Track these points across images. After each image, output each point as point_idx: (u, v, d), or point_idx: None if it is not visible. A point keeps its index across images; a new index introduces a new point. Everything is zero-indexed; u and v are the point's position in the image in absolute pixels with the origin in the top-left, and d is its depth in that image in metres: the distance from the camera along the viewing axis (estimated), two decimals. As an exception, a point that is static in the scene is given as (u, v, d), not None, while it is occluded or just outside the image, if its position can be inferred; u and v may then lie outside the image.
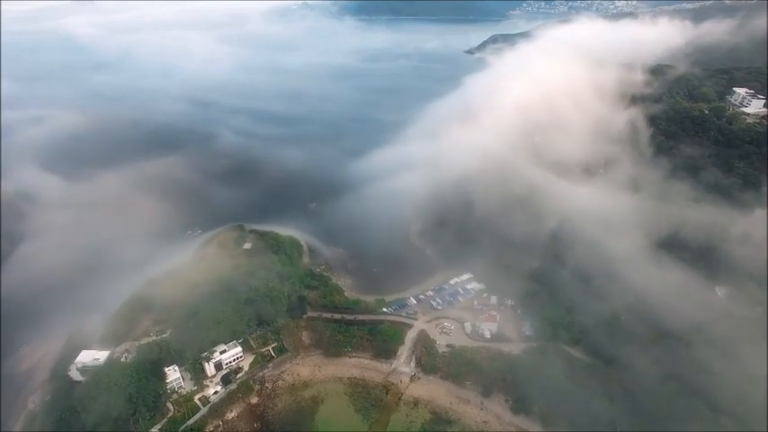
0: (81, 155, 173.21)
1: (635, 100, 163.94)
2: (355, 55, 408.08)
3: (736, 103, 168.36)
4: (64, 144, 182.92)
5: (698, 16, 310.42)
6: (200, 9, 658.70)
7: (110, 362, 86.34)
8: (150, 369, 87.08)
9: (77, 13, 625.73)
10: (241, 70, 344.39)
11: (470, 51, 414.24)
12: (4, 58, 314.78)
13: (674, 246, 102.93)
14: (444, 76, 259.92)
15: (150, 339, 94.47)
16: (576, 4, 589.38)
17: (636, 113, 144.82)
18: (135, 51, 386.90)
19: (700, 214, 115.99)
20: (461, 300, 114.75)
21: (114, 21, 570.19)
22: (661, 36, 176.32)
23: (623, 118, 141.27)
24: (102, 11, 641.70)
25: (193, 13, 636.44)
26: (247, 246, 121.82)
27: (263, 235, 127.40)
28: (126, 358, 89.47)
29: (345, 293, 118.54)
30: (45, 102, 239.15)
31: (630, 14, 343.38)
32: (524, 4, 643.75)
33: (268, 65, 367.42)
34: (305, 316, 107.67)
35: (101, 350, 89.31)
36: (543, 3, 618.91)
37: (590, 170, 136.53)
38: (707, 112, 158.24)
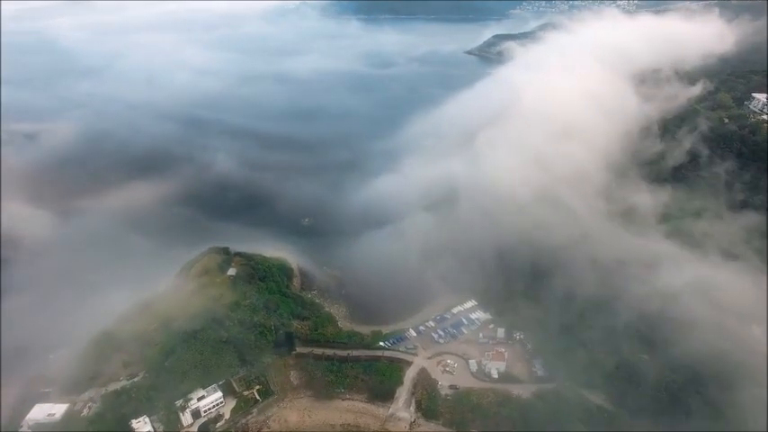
0: (60, 179, 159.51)
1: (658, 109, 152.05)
2: (364, 59, 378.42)
3: (756, 109, 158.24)
4: (41, 167, 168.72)
5: (705, 16, 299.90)
6: (195, 9, 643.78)
7: (68, 416, 76.32)
8: (116, 422, 77.25)
9: (71, 13, 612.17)
10: (241, 80, 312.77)
11: (481, 52, 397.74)
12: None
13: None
14: (464, 82, 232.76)
15: (119, 385, 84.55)
16: (576, 3, 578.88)
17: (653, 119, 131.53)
18: (125, 56, 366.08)
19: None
20: (465, 331, 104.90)
21: (107, 21, 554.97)
22: (676, 36, 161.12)
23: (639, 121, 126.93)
24: (98, 11, 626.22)
25: (189, 14, 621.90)
26: (231, 272, 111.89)
27: (249, 259, 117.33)
28: (89, 409, 79.61)
29: (339, 323, 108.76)
30: (24, 115, 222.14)
31: (659, 11, 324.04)
32: (524, 3, 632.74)
33: (271, 72, 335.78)
34: (293, 353, 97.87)
35: (61, 401, 79.16)
36: (544, 2, 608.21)
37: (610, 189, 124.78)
38: (726, 120, 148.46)
